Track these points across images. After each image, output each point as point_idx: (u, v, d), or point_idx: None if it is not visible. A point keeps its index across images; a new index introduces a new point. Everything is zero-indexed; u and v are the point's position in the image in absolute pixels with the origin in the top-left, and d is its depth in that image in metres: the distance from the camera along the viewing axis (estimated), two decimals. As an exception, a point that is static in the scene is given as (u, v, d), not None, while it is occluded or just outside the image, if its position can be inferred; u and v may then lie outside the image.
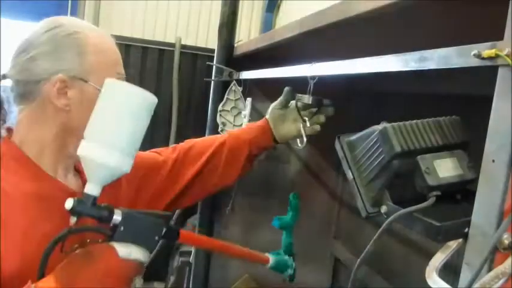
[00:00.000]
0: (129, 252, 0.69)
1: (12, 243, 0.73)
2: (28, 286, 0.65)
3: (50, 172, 0.85)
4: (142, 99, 0.73)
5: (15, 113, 0.87)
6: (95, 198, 0.71)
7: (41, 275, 0.68)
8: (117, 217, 0.71)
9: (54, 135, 0.84)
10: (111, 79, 0.75)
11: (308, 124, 1.13)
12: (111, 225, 0.71)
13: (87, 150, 0.71)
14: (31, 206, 0.78)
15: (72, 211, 0.69)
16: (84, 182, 0.74)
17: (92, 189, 0.71)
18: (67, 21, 0.86)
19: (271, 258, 1.01)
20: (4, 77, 0.86)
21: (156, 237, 0.74)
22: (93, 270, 0.67)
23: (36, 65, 0.82)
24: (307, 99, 1.06)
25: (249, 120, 1.62)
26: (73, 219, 0.69)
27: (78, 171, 0.93)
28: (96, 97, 0.77)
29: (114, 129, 0.71)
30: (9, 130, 0.86)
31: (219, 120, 1.72)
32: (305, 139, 1.12)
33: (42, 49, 0.82)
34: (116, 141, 0.71)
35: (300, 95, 1.09)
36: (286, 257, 1.05)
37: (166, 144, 3.23)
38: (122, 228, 0.71)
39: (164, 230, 0.75)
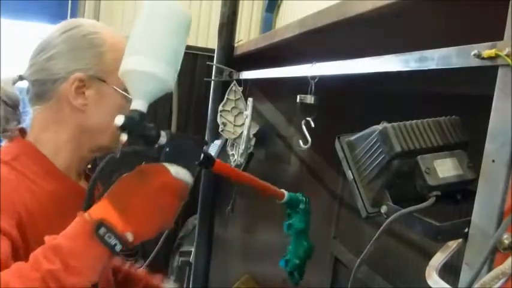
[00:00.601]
0: (177, 171, 0.68)
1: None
2: (80, 215, 0.63)
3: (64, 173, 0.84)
4: (183, 14, 0.71)
5: (30, 116, 0.86)
6: (142, 114, 0.68)
7: (88, 206, 0.66)
8: (163, 138, 0.69)
9: (70, 135, 0.83)
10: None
11: (312, 124, 1.13)
12: (157, 146, 0.69)
13: (133, 63, 0.68)
14: (47, 204, 0.77)
15: (123, 127, 0.65)
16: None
17: (139, 104, 0.68)
18: (85, 22, 0.86)
19: (286, 194, 1.03)
20: (21, 78, 0.86)
21: (196, 162, 0.73)
22: (149, 188, 0.65)
23: (54, 63, 0.81)
24: (309, 99, 1.07)
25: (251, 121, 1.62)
26: (124, 137, 0.66)
27: (89, 179, 0.92)
28: (113, 98, 0.81)
29: (161, 42, 0.68)
30: (23, 131, 0.85)
31: (219, 120, 1.72)
32: (309, 140, 1.12)
33: (60, 48, 0.82)
34: (163, 53, 0.68)
35: (302, 95, 1.09)
36: (298, 194, 1.07)
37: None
38: (168, 149, 0.69)
39: (202, 156, 0.74)
